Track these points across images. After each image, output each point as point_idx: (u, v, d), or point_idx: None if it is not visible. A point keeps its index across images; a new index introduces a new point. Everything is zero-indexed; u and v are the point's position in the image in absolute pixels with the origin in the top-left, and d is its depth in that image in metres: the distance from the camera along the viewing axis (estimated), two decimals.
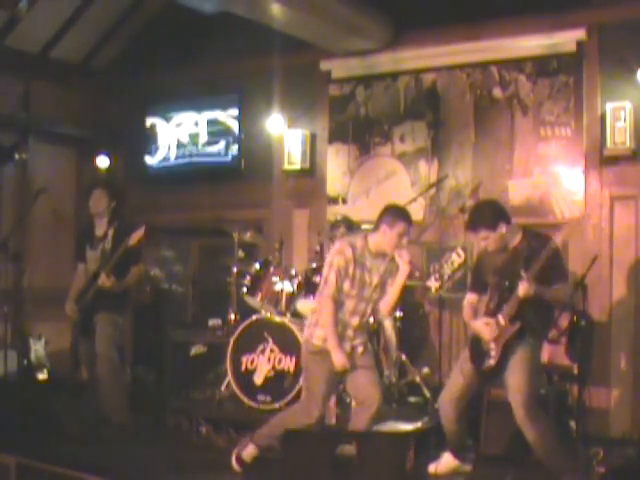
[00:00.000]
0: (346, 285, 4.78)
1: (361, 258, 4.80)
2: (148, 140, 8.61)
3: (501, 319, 4.79)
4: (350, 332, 4.87)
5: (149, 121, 8.61)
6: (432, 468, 5.11)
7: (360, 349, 4.91)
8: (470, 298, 5.08)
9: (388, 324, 6.43)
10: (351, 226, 6.63)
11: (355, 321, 4.87)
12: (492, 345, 4.80)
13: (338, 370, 4.78)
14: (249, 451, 5.06)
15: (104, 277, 6.09)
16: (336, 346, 4.74)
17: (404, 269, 4.78)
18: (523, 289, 4.63)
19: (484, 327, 4.85)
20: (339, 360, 4.73)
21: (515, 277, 4.72)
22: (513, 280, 4.74)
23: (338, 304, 4.80)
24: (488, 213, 4.89)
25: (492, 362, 4.81)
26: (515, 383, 4.72)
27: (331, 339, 4.75)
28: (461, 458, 5.12)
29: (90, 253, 6.38)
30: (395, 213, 4.87)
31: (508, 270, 4.82)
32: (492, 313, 4.87)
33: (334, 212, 7.44)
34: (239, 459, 5.06)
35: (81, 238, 6.67)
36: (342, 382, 5.04)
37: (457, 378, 5.01)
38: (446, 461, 5.11)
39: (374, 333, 6.33)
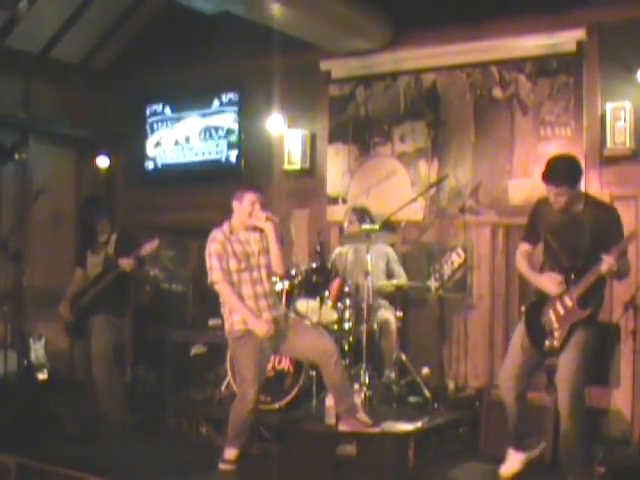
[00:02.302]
0: (233, 263, 5.08)
1: (233, 236, 5.14)
2: (148, 140, 8.62)
3: (568, 300, 4.59)
4: (264, 302, 5.13)
5: (149, 121, 8.61)
6: (503, 472, 4.92)
7: (282, 320, 5.20)
8: (523, 247, 4.88)
9: (392, 319, 6.43)
10: (363, 214, 6.69)
11: (260, 289, 5.14)
12: (556, 325, 4.59)
13: (264, 338, 5.02)
14: (229, 453, 5.14)
15: (126, 261, 6.12)
16: (253, 318, 5.03)
17: (267, 227, 5.14)
18: (608, 265, 4.39)
19: (550, 280, 4.64)
20: (261, 328, 5.01)
21: (575, 247, 4.57)
22: (575, 252, 4.57)
23: (235, 283, 5.08)
24: (573, 170, 4.69)
25: (556, 344, 4.59)
26: (567, 371, 4.57)
27: (246, 314, 5.03)
28: (523, 447, 4.93)
29: (92, 258, 6.42)
30: (241, 188, 5.25)
31: (565, 235, 4.64)
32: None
33: (333, 212, 7.46)
34: (225, 462, 5.12)
35: (82, 243, 6.73)
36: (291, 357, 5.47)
37: (514, 355, 4.81)
38: (512, 459, 4.93)
39: (376, 333, 6.35)
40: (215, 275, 5.07)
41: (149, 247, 6.14)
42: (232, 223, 5.19)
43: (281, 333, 5.14)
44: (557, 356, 4.66)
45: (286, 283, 6.36)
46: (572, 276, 4.59)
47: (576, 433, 4.61)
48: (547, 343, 4.64)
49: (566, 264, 4.65)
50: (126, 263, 6.13)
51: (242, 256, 5.11)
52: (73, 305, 6.36)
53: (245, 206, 5.13)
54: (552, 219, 4.73)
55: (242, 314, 5.03)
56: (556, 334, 4.60)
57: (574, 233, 4.61)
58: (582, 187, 4.84)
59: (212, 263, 5.07)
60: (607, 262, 4.40)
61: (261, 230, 5.17)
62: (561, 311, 4.61)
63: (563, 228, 4.67)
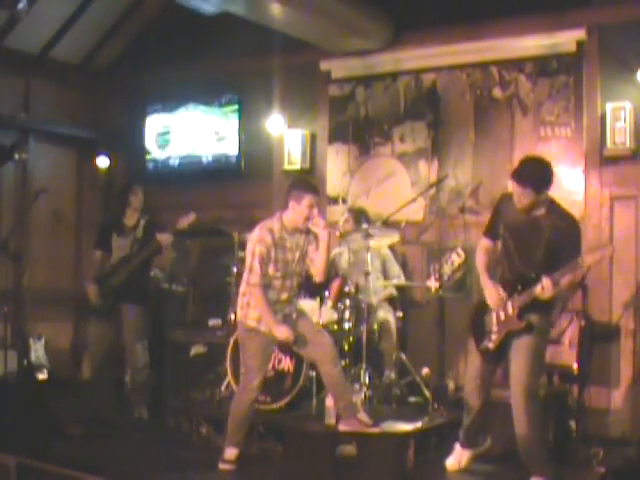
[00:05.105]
0: (270, 269, 5.04)
1: (280, 241, 5.05)
2: (148, 140, 8.61)
3: (510, 307, 4.66)
4: (278, 305, 5.14)
5: (149, 121, 8.61)
6: (449, 465, 5.05)
7: (294, 315, 5.20)
8: (484, 243, 4.93)
9: (392, 319, 6.43)
10: (360, 215, 6.70)
11: (284, 296, 5.15)
12: (495, 328, 4.71)
13: (286, 342, 5.06)
14: (229, 453, 5.14)
15: (165, 236, 6.38)
16: (275, 323, 5.00)
17: (323, 235, 5.04)
18: (541, 292, 4.50)
19: (493, 292, 4.71)
20: (282, 334, 4.99)
21: (530, 254, 4.60)
22: (529, 259, 4.60)
23: (266, 286, 5.03)
24: (542, 175, 4.60)
25: (491, 346, 4.74)
26: (517, 373, 4.65)
27: (269, 319, 5.01)
28: (472, 445, 5.05)
29: (118, 240, 6.63)
30: (300, 187, 5.12)
31: (523, 238, 4.66)
32: (504, 286, 4.74)
33: (333, 212, 7.46)
34: (225, 462, 5.13)
35: (106, 227, 6.90)
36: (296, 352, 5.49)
37: (474, 359, 4.94)
38: (459, 455, 5.04)
39: (376, 332, 6.35)
40: (254, 278, 4.99)
41: (186, 220, 6.31)
42: (284, 222, 5.08)
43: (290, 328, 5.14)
44: (497, 360, 4.81)
45: None
46: (519, 287, 4.65)
47: (532, 432, 4.66)
48: (484, 343, 4.79)
49: (519, 269, 4.68)
50: (165, 237, 6.28)
51: (282, 265, 5.06)
52: (101, 286, 6.44)
53: (302, 207, 5.02)
54: (513, 218, 4.71)
55: (267, 319, 5.01)
56: (493, 337, 4.74)
57: (531, 239, 4.63)
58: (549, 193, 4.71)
59: (254, 265, 4.98)
60: (543, 286, 4.47)
61: (308, 232, 5.11)
62: (502, 316, 4.71)
63: (522, 230, 4.68)
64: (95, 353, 6.67)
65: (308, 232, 5.12)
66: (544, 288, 4.48)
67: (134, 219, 6.64)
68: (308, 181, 5.42)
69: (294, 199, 5.05)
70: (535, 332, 4.64)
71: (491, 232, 4.90)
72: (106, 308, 6.50)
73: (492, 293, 4.73)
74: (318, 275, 5.19)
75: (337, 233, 6.62)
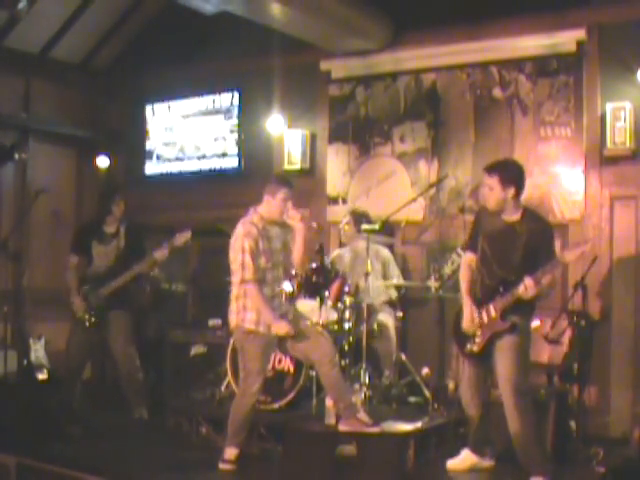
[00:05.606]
0: (262, 261, 5.07)
1: (264, 231, 5.09)
2: (148, 140, 8.61)
3: (492, 310, 4.74)
4: (276, 300, 5.14)
5: (149, 121, 8.61)
6: (450, 465, 5.08)
7: (290, 316, 5.21)
8: (467, 257, 5.04)
9: (391, 324, 6.44)
10: (361, 217, 6.69)
11: (278, 289, 5.20)
12: (478, 332, 4.79)
13: (286, 336, 5.06)
14: (229, 453, 5.15)
15: (160, 252, 6.33)
16: (274, 318, 5.03)
17: (298, 227, 5.09)
18: (524, 291, 4.59)
19: (468, 312, 4.82)
20: (282, 328, 5.02)
21: (507, 259, 4.70)
22: (506, 263, 4.70)
23: (260, 282, 5.04)
24: (511, 169, 4.84)
25: (475, 349, 4.82)
26: (504, 372, 4.72)
27: (268, 315, 5.02)
28: (480, 453, 5.08)
29: (99, 248, 6.54)
30: (274, 182, 5.20)
31: (499, 244, 4.78)
32: (482, 293, 4.82)
33: (333, 212, 7.46)
34: (225, 462, 5.13)
35: (84, 232, 6.78)
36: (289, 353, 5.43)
37: (465, 367, 5.00)
38: (464, 458, 5.08)
39: (376, 333, 6.35)
40: (248, 273, 5.00)
41: (183, 238, 6.28)
42: (261, 215, 5.13)
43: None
44: (481, 362, 4.88)
45: (286, 283, 6.34)
46: (500, 289, 4.73)
47: (525, 430, 4.70)
48: (468, 346, 4.86)
49: (498, 274, 4.77)
50: (161, 254, 6.25)
51: (270, 255, 5.10)
52: (88, 298, 6.40)
53: (277, 201, 5.08)
54: (490, 227, 4.86)
55: (266, 315, 5.02)
56: (477, 340, 4.82)
57: (508, 244, 4.75)
58: (520, 199, 4.86)
59: (246, 260, 5.00)
60: (526, 286, 4.57)
61: (285, 225, 5.14)
62: (484, 319, 4.78)
63: (499, 237, 4.81)
64: (71, 359, 6.63)
65: (285, 224, 5.17)
66: (527, 287, 4.58)
67: (114, 227, 6.56)
68: (283, 175, 5.49)
69: (269, 193, 5.12)
70: (517, 332, 4.72)
71: (472, 245, 5.00)
72: (94, 320, 6.44)
73: (467, 316, 4.86)
74: (297, 266, 5.28)
75: (321, 226, 6.62)
